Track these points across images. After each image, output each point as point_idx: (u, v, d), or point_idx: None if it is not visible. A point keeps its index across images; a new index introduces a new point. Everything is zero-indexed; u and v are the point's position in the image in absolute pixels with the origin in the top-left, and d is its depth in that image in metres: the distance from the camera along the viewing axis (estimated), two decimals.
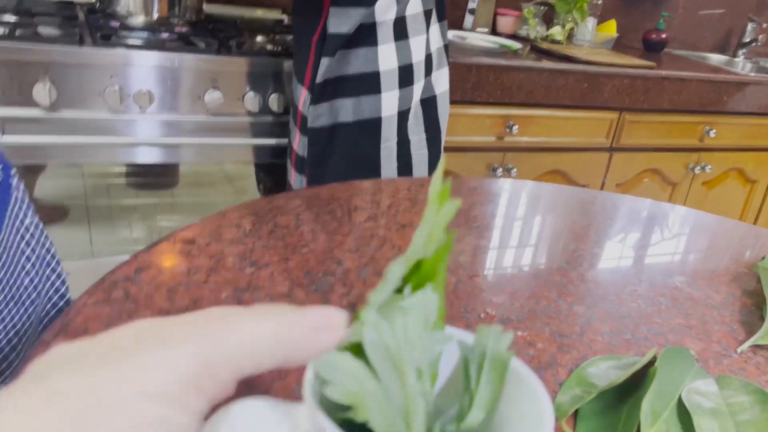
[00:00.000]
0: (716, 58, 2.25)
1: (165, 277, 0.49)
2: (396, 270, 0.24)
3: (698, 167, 1.82)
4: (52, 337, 0.41)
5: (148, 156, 1.15)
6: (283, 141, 1.19)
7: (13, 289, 0.55)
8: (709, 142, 1.81)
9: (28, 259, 0.58)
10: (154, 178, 1.26)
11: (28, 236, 0.59)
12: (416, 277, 0.25)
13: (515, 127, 1.50)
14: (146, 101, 1.07)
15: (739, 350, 0.50)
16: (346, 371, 0.23)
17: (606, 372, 0.44)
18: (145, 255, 0.52)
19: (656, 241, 0.70)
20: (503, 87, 1.46)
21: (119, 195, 1.23)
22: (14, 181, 0.58)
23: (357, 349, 0.24)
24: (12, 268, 0.55)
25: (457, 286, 0.54)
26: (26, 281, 0.57)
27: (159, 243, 0.54)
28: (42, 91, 0.99)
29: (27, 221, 0.59)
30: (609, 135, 1.66)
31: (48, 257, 0.62)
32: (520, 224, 0.70)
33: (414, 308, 0.24)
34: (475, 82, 1.42)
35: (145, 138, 1.12)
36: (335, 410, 0.23)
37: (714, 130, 1.78)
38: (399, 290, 0.25)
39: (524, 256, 0.62)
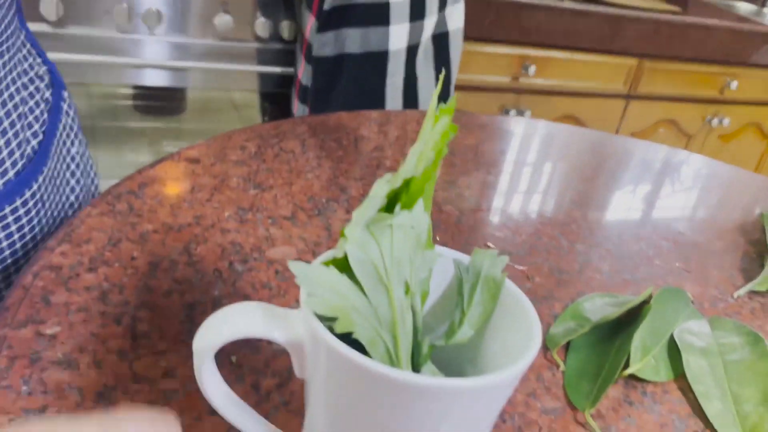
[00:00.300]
0: (745, 8, 2.16)
1: (169, 193, 0.49)
2: (381, 187, 0.24)
3: (716, 120, 1.78)
4: (56, 244, 0.41)
5: (156, 78, 1.14)
6: (290, 70, 1.17)
7: (57, 221, 0.52)
8: (729, 95, 1.76)
9: (72, 190, 0.55)
10: (162, 102, 1.25)
11: (73, 166, 0.55)
12: (405, 196, 0.25)
13: (532, 68, 1.46)
14: (155, 21, 1.05)
15: (735, 295, 0.50)
16: (329, 285, 0.23)
17: (601, 308, 0.44)
18: (149, 171, 0.52)
19: (665, 186, 0.70)
20: (521, 26, 1.42)
21: (126, 118, 1.22)
22: (65, 105, 0.54)
23: (342, 266, 0.23)
24: (57, 200, 0.52)
25: (460, 219, 0.54)
26: (70, 213, 0.55)
27: (163, 160, 0.54)
28: (49, 5, 0.97)
29: (74, 150, 0.55)
30: (627, 82, 1.62)
31: (93, 188, 0.60)
32: (529, 163, 0.69)
33: (403, 226, 0.24)
34: (492, 20, 1.38)
35: (153, 60, 1.11)
36: (329, 325, 0.23)
37: (736, 83, 1.73)
38: (389, 209, 0.25)
39: (530, 194, 0.62)
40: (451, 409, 0.21)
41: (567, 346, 0.41)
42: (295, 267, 0.22)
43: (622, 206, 0.63)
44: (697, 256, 0.55)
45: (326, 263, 0.23)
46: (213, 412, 0.31)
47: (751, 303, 0.50)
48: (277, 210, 0.50)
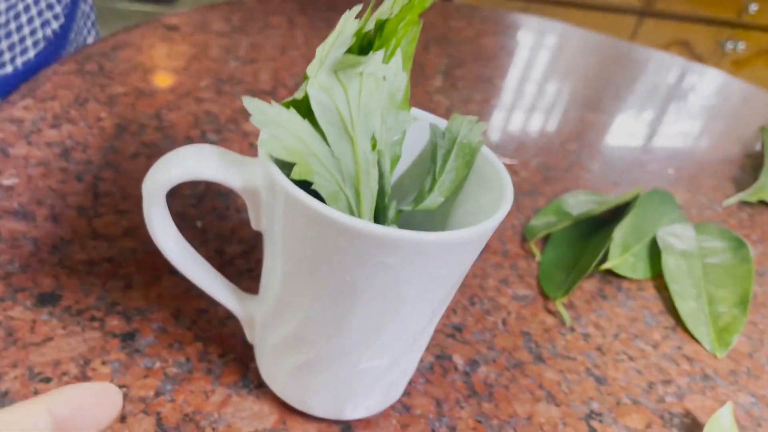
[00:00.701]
0: None
1: (143, 58, 0.46)
2: (350, 24, 0.21)
3: (730, 44, 1.72)
4: (19, 98, 0.39)
5: None
6: None
7: None
8: (747, 19, 1.69)
9: None
10: None
11: None
12: (378, 41, 0.23)
13: None
14: None
15: (724, 204, 0.49)
16: (289, 128, 0.21)
17: (585, 204, 0.43)
18: (123, 35, 0.49)
19: (669, 94, 0.67)
20: None
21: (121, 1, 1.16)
22: None
23: (304, 111, 0.22)
24: None
25: (450, 109, 0.52)
26: None
27: (140, 25, 0.51)
28: None
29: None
30: None
31: None
32: (528, 60, 0.66)
33: (374, 75, 0.22)
34: None
35: None
36: (286, 172, 0.21)
37: (756, 5, 1.65)
38: (361, 52, 0.22)
39: (526, 91, 0.59)
40: (411, 264, 0.20)
41: (546, 239, 0.40)
42: (251, 104, 0.20)
43: (622, 110, 0.60)
44: (691, 165, 0.54)
45: (286, 104, 0.21)
46: (173, 271, 0.30)
47: (740, 213, 0.49)
48: (257, 84, 0.47)
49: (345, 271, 0.20)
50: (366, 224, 0.19)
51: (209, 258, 0.32)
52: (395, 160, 0.25)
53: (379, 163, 0.23)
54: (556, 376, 0.31)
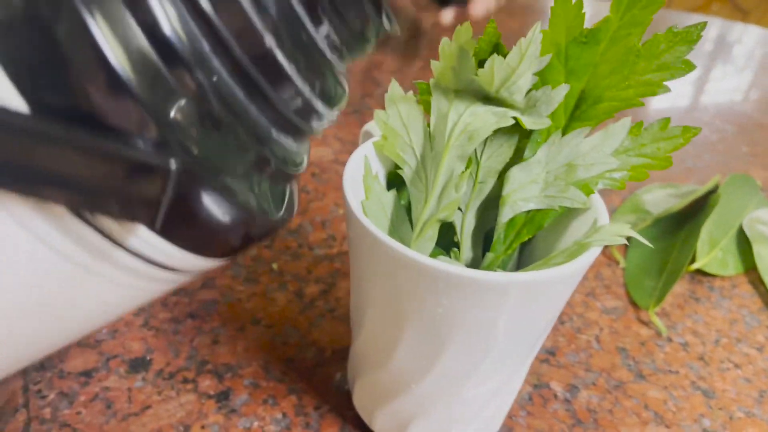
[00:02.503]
0: None
1: None
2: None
3: None
4: None
5: None
6: None
7: None
8: None
9: None
10: None
11: None
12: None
13: None
14: None
15: None
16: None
17: (663, 199, 0.41)
18: None
19: (724, 64, 0.63)
20: None
21: None
22: None
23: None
24: None
25: None
26: None
27: None
28: None
29: None
30: None
31: None
32: None
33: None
34: None
35: None
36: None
37: None
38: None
39: None
40: (506, 304, 0.19)
41: (627, 242, 0.38)
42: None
43: (680, 88, 0.57)
44: (763, 139, 0.51)
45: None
46: (255, 321, 0.30)
47: None
48: None
49: (441, 313, 0.20)
50: (462, 270, 0.18)
51: (289, 302, 0.31)
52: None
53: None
54: (661, 394, 0.29)
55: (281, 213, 0.18)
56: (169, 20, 0.14)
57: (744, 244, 0.38)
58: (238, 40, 0.15)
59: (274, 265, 0.33)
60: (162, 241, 0.16)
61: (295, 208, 0.20)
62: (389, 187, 0.23)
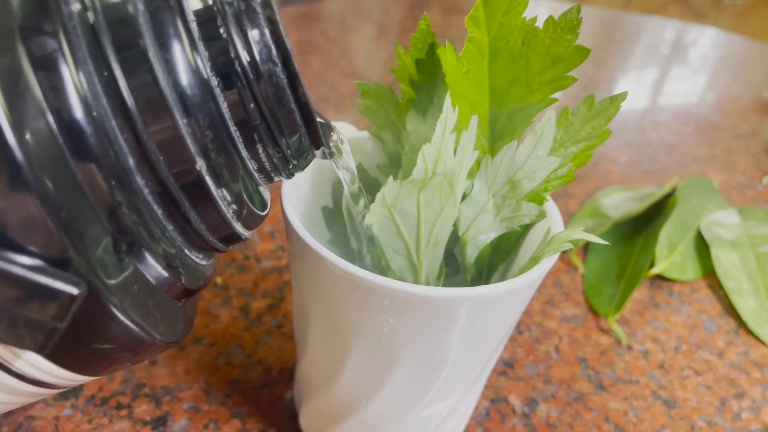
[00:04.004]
0: None
1: None
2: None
3: None
4: None
5: None
6: None
7: None
8: None
9: None
10: None
11: None
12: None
13: None
14: None
15: (764, 181, 0.46)
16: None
17: (621, 203, 0.40)
18: None
19: (681, 66, 0.64)
20: None
21: None
22: None
23: None
24: None
25: None
26: None
27: None
28: None
29: None
30: None
31: None
32: None
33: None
34: None
35: None
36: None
37: None
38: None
39: None
40: (457, 320, 0.18)
41: (585, 247, 0.38)
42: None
43: (637, 91, 0.57)
44: (721, 141, 0.51)
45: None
46: (197, 340, 0.28)
47: None
48: None
49: (379, 330, 0.18)
50: (408, 287, 0.17)
51: (234, 319, 0.30)
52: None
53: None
54: (622, 405, 0.28)
55: (179, 331, 0.17)
56: (96, 133, 0.12)
57: (702, 247, 0.38)
58: (167, 161, 0.13)
59: (218, 279, 0.31)
60: (47, 364, 0.14)
61: (192, 325, 0.18)
62: (334, 198, 0.22)
